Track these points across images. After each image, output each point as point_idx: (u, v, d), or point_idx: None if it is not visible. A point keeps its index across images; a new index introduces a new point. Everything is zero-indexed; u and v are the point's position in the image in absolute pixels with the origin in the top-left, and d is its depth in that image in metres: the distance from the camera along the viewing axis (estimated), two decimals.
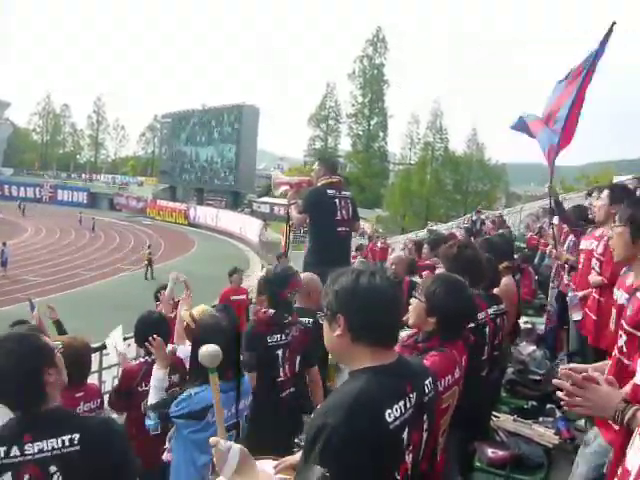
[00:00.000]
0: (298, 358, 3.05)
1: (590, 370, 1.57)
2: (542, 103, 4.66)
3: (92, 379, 4.15)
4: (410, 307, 2.16)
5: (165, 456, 2.39)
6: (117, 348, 3.78)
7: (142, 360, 3.18)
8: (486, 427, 3.32)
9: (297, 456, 1.60)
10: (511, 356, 4.59)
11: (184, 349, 3.04)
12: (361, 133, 58.74)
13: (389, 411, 1.28)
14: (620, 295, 2.54)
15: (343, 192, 4.33)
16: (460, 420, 2.17)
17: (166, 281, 4.15)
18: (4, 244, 21.05)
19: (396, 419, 1.29)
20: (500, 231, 12.27)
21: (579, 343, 4.26)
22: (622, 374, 1.87)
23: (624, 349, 1.99)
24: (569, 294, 4.21)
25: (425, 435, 1.43)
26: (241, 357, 2.47)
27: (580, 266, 4.03)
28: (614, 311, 2.62)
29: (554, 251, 4.85)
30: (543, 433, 3.53)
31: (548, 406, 4.02)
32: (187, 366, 2.61)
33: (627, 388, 1.64)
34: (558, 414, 3.88)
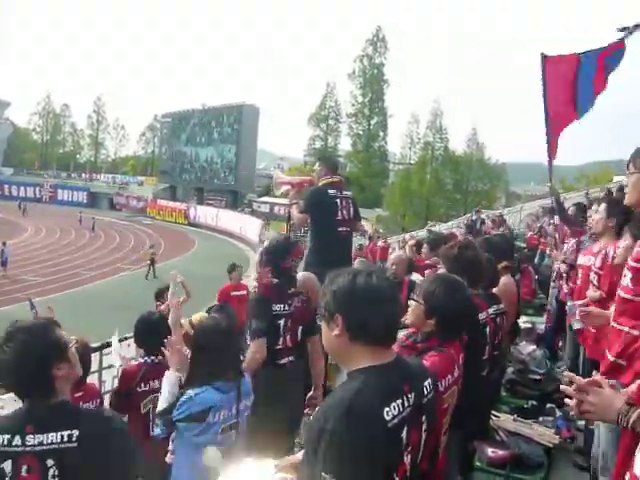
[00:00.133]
0: (300, 328, 3.06)
1: (594, 373, 1.57)
2: (541, 103, 4.66)
3: (92, 379, 4.15)
4: (409, 309, 2.16)
5: (168, 458, 2.37)
6: (120, 353, 3.78)
7: (141, 361, 3.18)
8: (486, 427, 3.32)
9: (298, 455, 1.61)
10: (511, 356, 4.60)
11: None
12: (361, 133, 58.69)
13: (387, 409, 1.28)
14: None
15: (344, 192, 4.32)
16: (460, 420, 2.17)
17: (167, 281, 4.13)
18: (4, 244, 21.01)
19: (394, 417, 1.29)
20: (501, 229, 12.30)
21: (575, 351, 4.31)
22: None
23: (630, 286, 2.22)
24: (568, 303, 4.23)
25: (424, 436, 1.44)
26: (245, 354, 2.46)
27: (579, 282, 4.07)
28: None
29: (554, 252, 4.86)
30: (543, 433, 3.54)
31: (548, 406, 4.02)
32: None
33: (633, 387, 1.63)
34: (558, 414, 3.88)
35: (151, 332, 3.10)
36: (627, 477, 1.33)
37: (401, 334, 2.14)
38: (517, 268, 5.26)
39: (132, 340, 3.75)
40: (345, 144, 60.95)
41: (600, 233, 3.78)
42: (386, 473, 1.29)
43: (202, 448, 2.14)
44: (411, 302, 2.18)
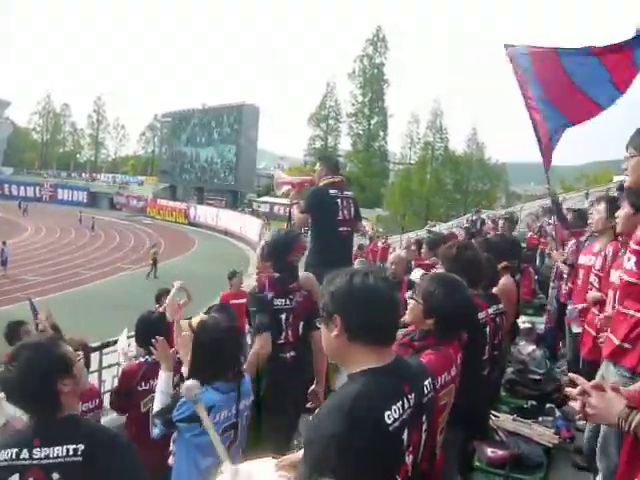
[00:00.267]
0: (301, 323, 3.05)
1: (597, 377, 1.55)
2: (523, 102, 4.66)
3: (92, 379, 4.16)
4: (408, 308, 2.17)
5: (171, 460, 2.35)
6: (126, 352, 3.79)
7: (142, 360, 3.19)
8: (485, 427, 3.32)
9: (298, 454, 1.61)
10: (511, 356, 4.60)
11: None
12: (361, 132, 58.73)
13: (388, 412, 1.28)
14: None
15: (345, 192, 4.31)
16: (460, 419, 2.17)
17: (167, 282, 4.14)
18: (4, 243, 21.00)
19: (395, 420, 1.29)
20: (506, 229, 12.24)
21: (574, 353, 4.30)
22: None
23: (634, 269, 2.18)
24: (569, 306, 4.23)
25: (424, 435, 1.44)
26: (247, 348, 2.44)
27: (579, 282, 4.07)
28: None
29: (554, 252, 4.87)
30: (543, 432, 3.54)
31: (548, 406, 4.03)
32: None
33: (637, 385, 1.62)
34: (557, 414, 3.89)
35: (151, 331, 3.10)
36: None
37: (399, 332, 2.15)
38: (517, 268, 5.26)
39: (133, 339, 3.75)
40: (345, 144, 61.11)
41: (600, 232, 3.78)
42: (388, 475, 1.29)
43: (202, 448, 2.13)
44: (410, 301, 2.18)
